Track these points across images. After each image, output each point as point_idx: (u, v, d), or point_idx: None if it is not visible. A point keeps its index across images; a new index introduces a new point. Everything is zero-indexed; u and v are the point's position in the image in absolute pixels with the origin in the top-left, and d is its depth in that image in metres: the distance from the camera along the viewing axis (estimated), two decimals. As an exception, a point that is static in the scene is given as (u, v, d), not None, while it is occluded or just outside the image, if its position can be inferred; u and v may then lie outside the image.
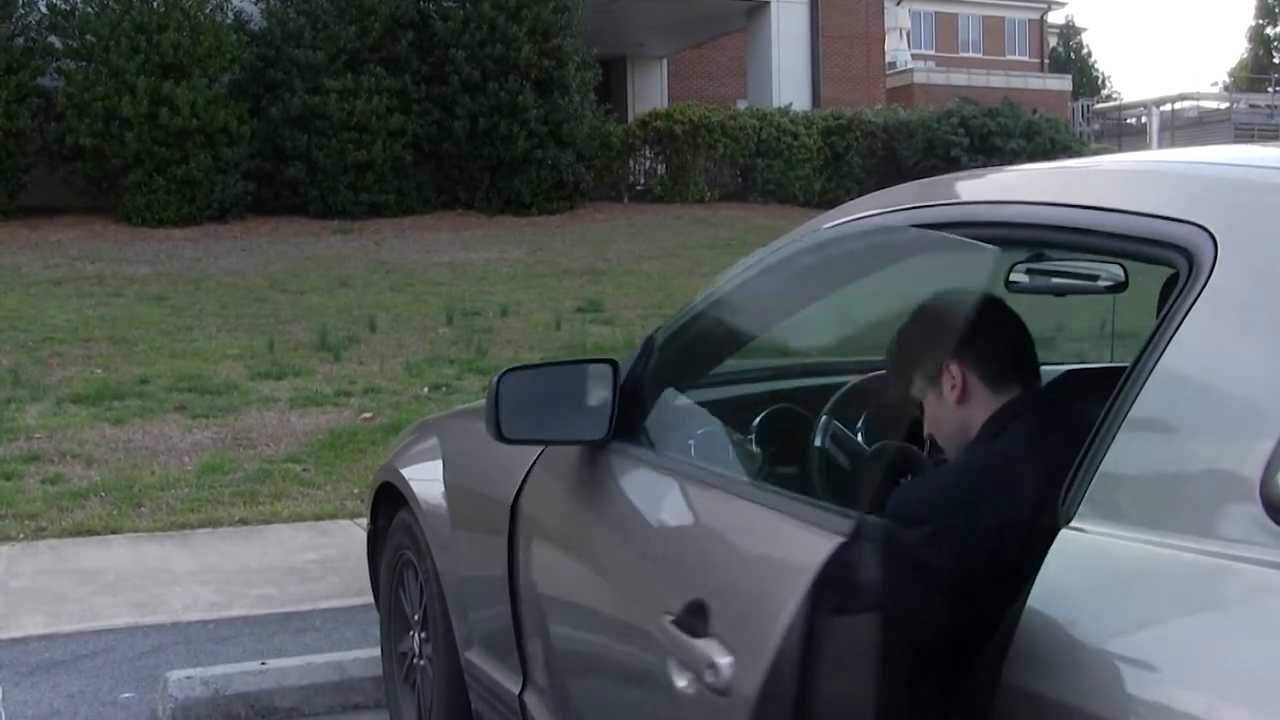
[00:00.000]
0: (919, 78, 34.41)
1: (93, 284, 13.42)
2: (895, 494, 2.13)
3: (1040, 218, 1.91)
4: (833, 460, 2.75)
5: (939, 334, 2.33)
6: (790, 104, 22.75)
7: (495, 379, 2.58)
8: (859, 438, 2.87)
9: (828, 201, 20.62)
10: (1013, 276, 3.21)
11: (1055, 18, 54.52)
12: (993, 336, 2.33)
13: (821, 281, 2.52)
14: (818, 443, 2.76)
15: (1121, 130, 40.80)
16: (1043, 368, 3.28)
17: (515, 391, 2.58)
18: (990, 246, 1.75)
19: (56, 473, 7.04)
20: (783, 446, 2.93)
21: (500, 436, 2.55)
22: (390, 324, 11.65)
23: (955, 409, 2.31)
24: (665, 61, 28.80)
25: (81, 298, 12.64)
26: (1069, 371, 3.17)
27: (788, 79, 23.87)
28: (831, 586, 1.63)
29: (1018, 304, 2.52)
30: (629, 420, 2.48)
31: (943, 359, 2.30)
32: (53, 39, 17.34)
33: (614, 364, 2.49)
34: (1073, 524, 1.59)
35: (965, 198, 2.21)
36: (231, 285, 13.57)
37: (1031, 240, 2.18)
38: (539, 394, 2.62)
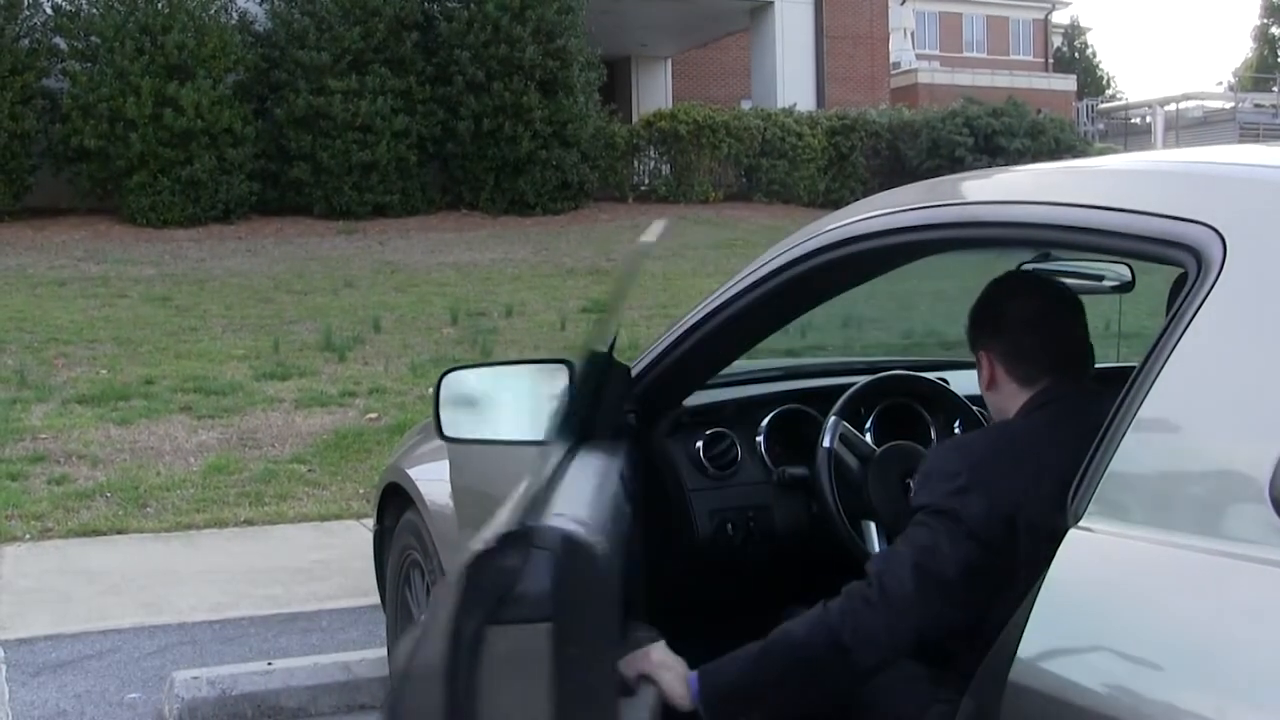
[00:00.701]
0: (923, 78, 34.44)
1: (97, 285, 13.44)
2: (930, 453, 2.18)
3: (1047, 218, 1.90)
4: (841, 461, 2.75)
5: (976, 318, 2.34)
6: (794, 104, 22.75)
7: (439, 378, 2.60)
8: (867, 438, 2.87)
9: (832, 202, 20.61)
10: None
11: (1060, 17, 54.47)
12: (1023, 333, 2.28)
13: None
14: (826, 443, 2.76)
15: (1126, 130, 40.77)
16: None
17: (459, 391, 2.62)
18: None
19: (62, 473, 7.06)
20: (791, 447, 2.93)
21: (441, 435, 2.58)
22: (395, 324, 11.66)
23: (986, 393, 2.34)
24: (669, 62, 28.80)
25: (86, 299, 12.66)
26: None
27: (792, 79, 23.87)
28: (472, 597, 1.54)
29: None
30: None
31: (977, 345, 2.33)
32: (58, 40, 17.36)
33: (570, 364, 2.46)
34: (1081, 524, 1.59)
35: (972, 198, 2.21)
36: (236, 286, 13.58)
37: (1039, 240, 2.19)
38: (486, 394, 2.64)
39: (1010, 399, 2.28)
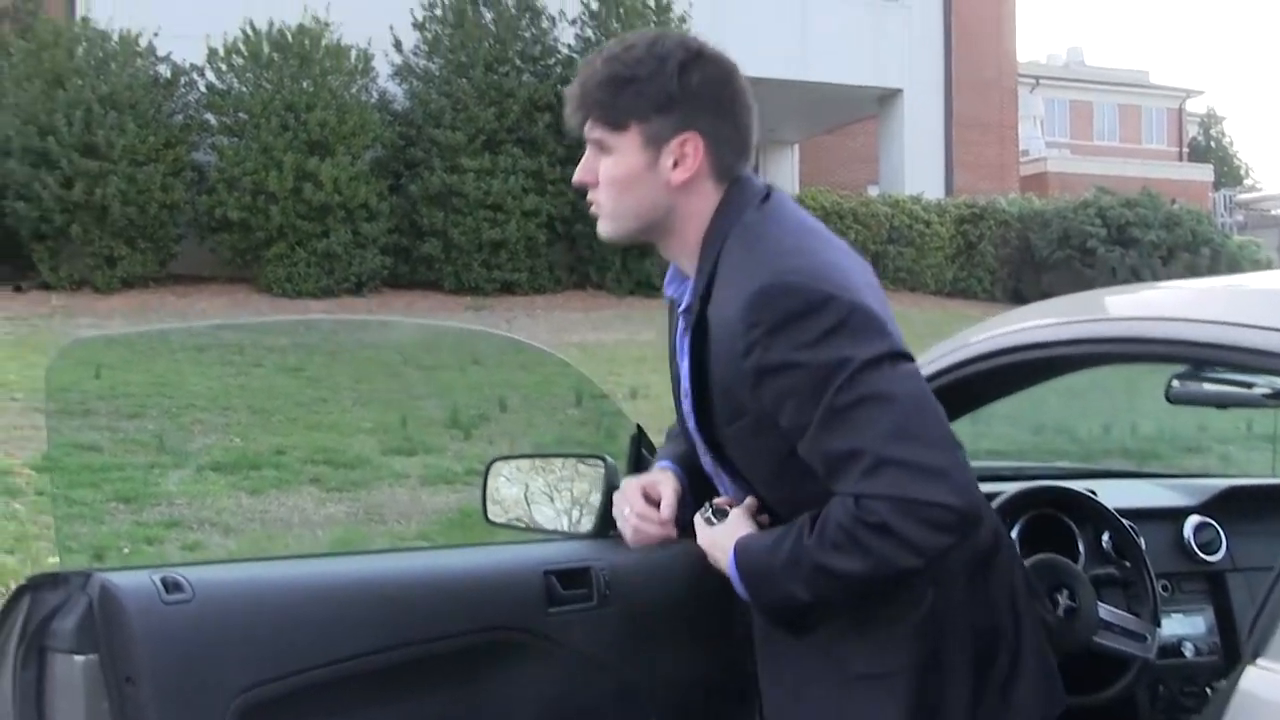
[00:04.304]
0: (1053, 166, 34.07)
1: (233, 353, 13.78)
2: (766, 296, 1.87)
3: (1212, 337, 1.89)
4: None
5: (689, 86, 1.96)
6: (922, 192, 22.66)
7: (487, 466, 2.69)
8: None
9: (959, 290, 20.46)
10: (1173, 385, 3.15)
11: (1195, 106, 53.72)
12: (746, 110, 2.02)
13: None
14: (972, 557, 2.70)
15: (1265, 221, 39.87)
16: (1201, 480, 3.21)
17: (506, 479, 2.69)
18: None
19: (195, 540, 7.21)
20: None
21: (486, 520, 2.66)
22: (520, 403, 11.75)
23: (668, 190, 1.99)
24: (797, 147, 28.94)
25: (223, 366, 12.98)
26: (1232, 488, 3.09)
27: (920, 166, 23.81)
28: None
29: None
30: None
31: (680, 126, 1.97)
32: (208, 116, 18.06)
33: (605, 460, 2.54)
34: (1260, 661, 1.55)
35: (1134, 314, 2.19)
36: (366, 359, 13.82)
37: (1204, 359, 2.16)
38: (530, 484, 2.70)
39: (698, 200, 1.99)
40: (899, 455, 1.74)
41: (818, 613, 1.93)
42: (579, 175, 2.05)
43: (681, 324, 2.11)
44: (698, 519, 2.16)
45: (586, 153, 2.04)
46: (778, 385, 1.84)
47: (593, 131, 2.00)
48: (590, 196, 2.06)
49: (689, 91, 1.94)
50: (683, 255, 2.06)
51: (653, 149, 1.96)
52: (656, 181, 1.97)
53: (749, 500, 2.08)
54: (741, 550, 1.97)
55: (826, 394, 1.78)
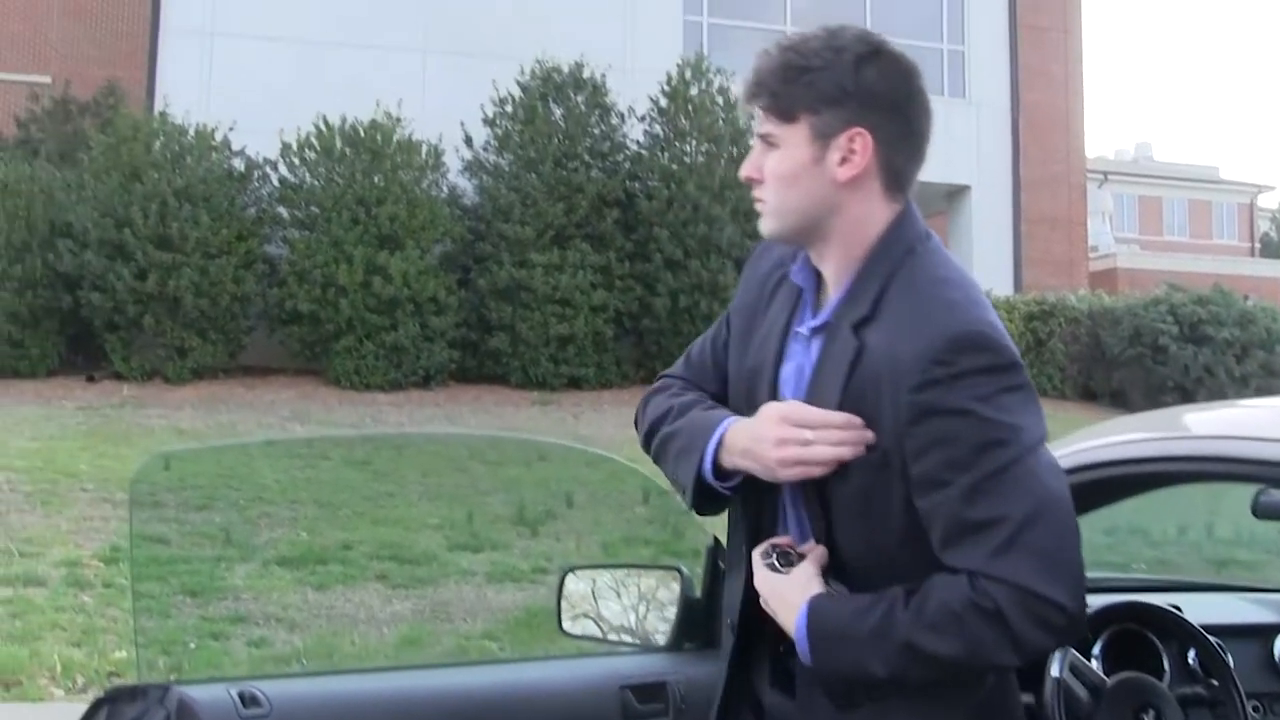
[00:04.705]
0: (1122, 262, 33.83)
1: (301, 446, 13.87)
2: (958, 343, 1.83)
3: None
4: (1070, 692, 2.60)
5: (864, 81, 1.91)
6: (991, 288, 22.50)
7: (560, 576, 2.69)
8: (1095, 665, 2.71)
9: (1029, 387, 20.16)
10: (1260, 499, 3.07)
11: (1266, 201, 53.25)
12: (923, 113, 1.97)
13: None
14: (1054, 672, 2.62)
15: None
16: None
17: (580, 590, 2.69)
18: None
19: (261, 635, 7.19)
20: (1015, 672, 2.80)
21: (561, 631, 2.65)
22: (587, 500, 11.70)
23: (834, 187, 1.92)
24: (863, 241, 28.90)
25: (291, 458, 13.04)
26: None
27: (988, 262, 23.70)
28: None
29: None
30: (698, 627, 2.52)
31: (850, 121, 1.91)
32: (281, 209, 18.38)
33: (681, 571, 2.52)
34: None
35: (1218, 433, 2.14)
36: (433, 453, 13.85)
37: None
38: (605, 595, 2.69)
39: (871, 205, 1.93)
40: (1033, 541, 1.72)
41: (881, 688, 1.85)
42: (745, 170, 2.00)
43: (804, 328, 2.02)
44: (757, 557, 2.03)
45: (754, 148, 1.99)
46: (940, 428, 1.78)
47: (762, 126, 1.96)
48: (756, 193, 2.00)
49: (863, 86, 1.89)
50: (836, 265, 1.98)
51: (820, 143, 1.90)
52: (822, 177, 1.91)
53: (820, 550, 1.96)
54: (816, 611, 1.87)
55: (986, 456, 1.75)
